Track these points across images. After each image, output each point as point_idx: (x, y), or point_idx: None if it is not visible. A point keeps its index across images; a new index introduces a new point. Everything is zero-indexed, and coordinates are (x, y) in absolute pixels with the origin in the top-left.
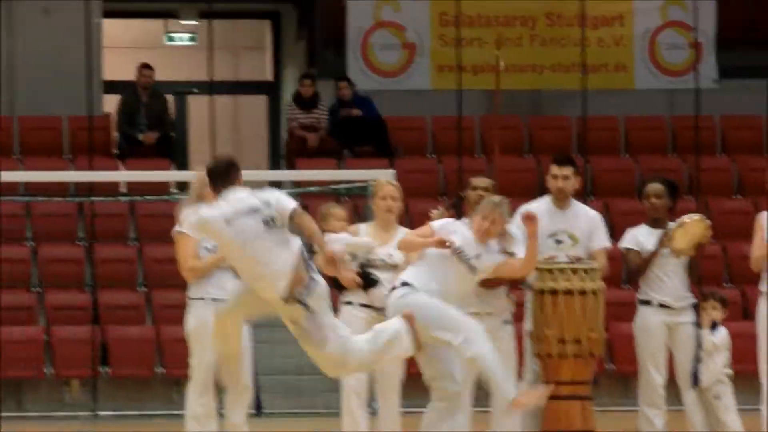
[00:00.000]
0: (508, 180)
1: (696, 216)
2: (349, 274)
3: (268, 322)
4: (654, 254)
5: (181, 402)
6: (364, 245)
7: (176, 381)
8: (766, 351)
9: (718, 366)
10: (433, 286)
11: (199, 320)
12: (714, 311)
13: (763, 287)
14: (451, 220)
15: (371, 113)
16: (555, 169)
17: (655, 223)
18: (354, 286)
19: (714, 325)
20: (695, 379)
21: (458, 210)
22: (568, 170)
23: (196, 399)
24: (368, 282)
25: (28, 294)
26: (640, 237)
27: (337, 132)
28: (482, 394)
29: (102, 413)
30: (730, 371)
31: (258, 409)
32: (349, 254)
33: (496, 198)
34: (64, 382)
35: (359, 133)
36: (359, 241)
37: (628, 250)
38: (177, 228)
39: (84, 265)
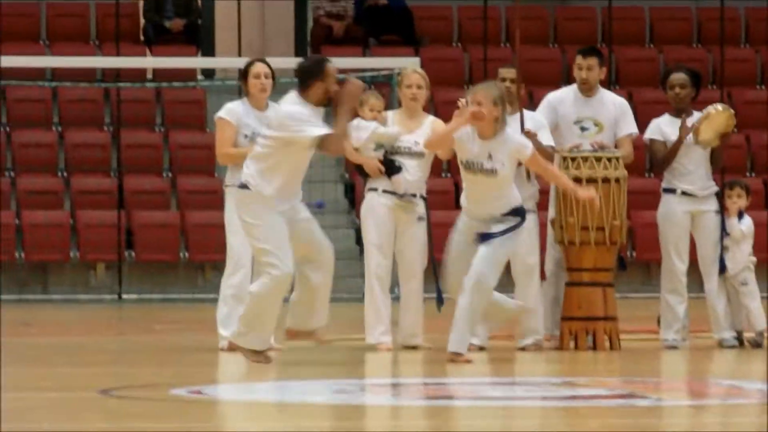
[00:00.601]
0: (533, 70)
1: (719, 106)
2: (372, 162)
3: None
4: (678, 144)
5: (205, 286)
6: (391, 135)
7: (200, 266)
8: None
9: (744, 253)
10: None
11: (231, 206)
12: (740, 199)
13: None
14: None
15: (397, 2)
16: (579, 60)
17: (678, 113)
18: (377, 173)
19: (740, 214)
20: (722, 267)
21: None
22: (592, 60)
23: (226, 280)
24: (391, 169)
25: (55, 178)
26: (664, 127)
27: (362, 20)
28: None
29: (126, 297)
30: (754, 259)
31: None
32: (375, 142)
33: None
34: (89, 265)
35: (385, 21)
36: (386, 131)
37: (653, 140)
38: (218, 114)
39: (110, 150)
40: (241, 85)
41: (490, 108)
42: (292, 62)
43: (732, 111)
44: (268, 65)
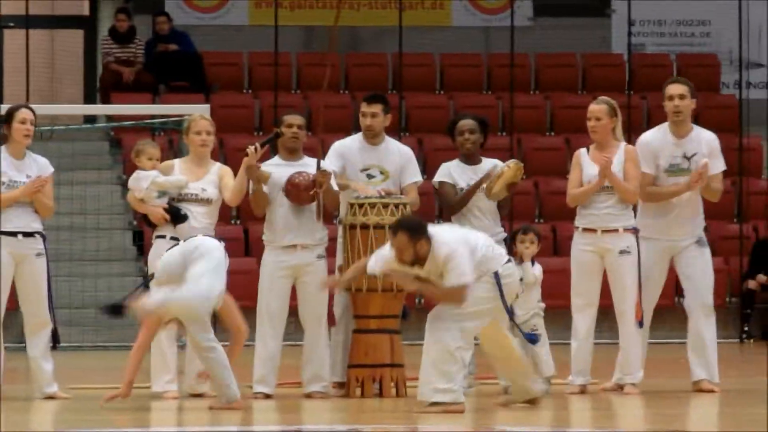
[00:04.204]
0: (323, 116)
1: (511, 162)
2: (157, 210)
3: (69, 256)
4: (471, 192)
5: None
6: (172, 183)
7: None
8: (577, 286)
9: (534, 300)
10: None
11: None
12: (532, 245)
13: (578, 223)
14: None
15: (187, 48)
16: (364, 107)
17: (468, 159)
18: (162, 221)
19: (531, 260)
20: (511, 313)
21: (273, 147)
22: (377, 108)
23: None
24: (176, 217)
25: None
26: (453, 173)
27: (153, 67)
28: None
29: None
30: (543, 305)
31: (55, 342)
32: (158, 190)
33: None
34: None
35: (175, 67)
36: (167, 179)
37: (443, 183)
38: None
39: None
40: (3, 130)
41: None
42: (82, 109)
43: (521, 164)
44: (33, 112)
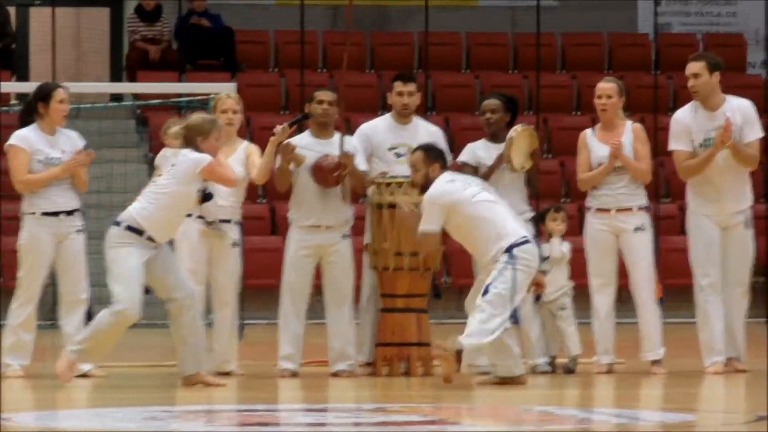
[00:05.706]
0: (350, 95)
1: (518, 127)
2: None
3: (97, 234)
4: (491, 171)
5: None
6: None
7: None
8: (594, 266)
9: (564, 277)
10: None
11: (30, 234)
12: (563, 224)
13: (590, 203)
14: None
15: (217, 23)
16: (400, 86)
17: (493, 138)
18: None
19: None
20: (537, 295)
21: (300, 127)
22: (412, 86)
23: (16, 309)
24: (202, 196)
25: None
26: (479, 151)
27: (184, 39)
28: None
29: None
30: (572, 283)
31: (89, 320)
32: None
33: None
34: None
35: (204, 45)
36: None
37: (464, 164)
38: (9, 141)
39: None
40: (37, 106)
41: None
42: (108, 87)
43: (529, 126)
44: (68, 90)
